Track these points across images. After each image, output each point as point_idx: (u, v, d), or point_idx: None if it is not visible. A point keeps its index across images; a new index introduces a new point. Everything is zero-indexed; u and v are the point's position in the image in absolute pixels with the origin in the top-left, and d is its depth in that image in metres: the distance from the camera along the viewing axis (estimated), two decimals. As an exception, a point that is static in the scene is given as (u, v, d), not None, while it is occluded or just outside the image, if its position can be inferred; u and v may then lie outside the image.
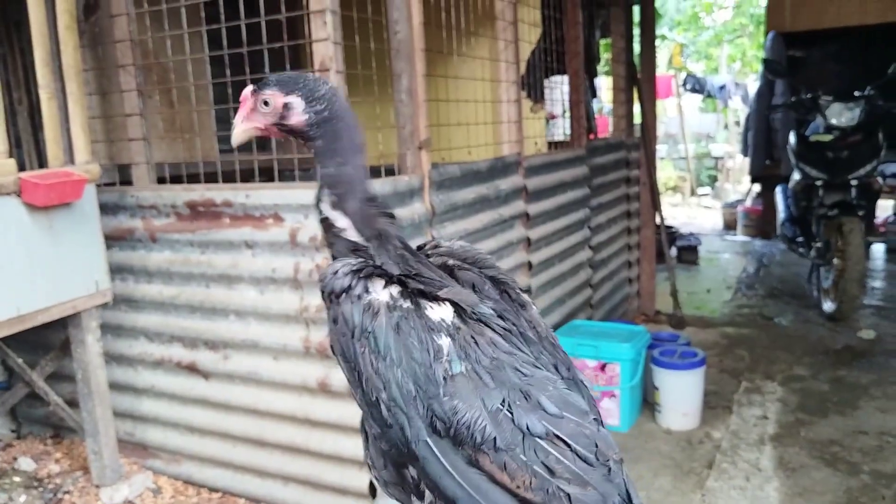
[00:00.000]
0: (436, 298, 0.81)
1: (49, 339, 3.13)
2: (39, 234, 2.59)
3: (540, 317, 0.89)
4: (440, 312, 0.81)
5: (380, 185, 2.60)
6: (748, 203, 9.31)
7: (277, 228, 2.62)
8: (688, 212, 11.80)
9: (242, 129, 1.26)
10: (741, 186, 12.20)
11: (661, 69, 14.04)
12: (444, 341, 0.79)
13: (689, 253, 7.58)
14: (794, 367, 4.61)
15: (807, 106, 5.68)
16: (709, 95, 12.81)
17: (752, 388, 4.30)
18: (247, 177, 2.88)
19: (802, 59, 7.86)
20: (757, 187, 8.99)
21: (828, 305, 5.50)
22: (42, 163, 2.90)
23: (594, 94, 6.56)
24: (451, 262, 0.88)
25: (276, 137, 1.27)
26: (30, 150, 3.27)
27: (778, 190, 6.48)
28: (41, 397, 3.12)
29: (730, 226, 9.46)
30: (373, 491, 2.55)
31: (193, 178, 2.93)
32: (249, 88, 1.30)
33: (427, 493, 0.81)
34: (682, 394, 3.76)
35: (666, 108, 14.17)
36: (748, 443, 3.63)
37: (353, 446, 2.59)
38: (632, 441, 3.68)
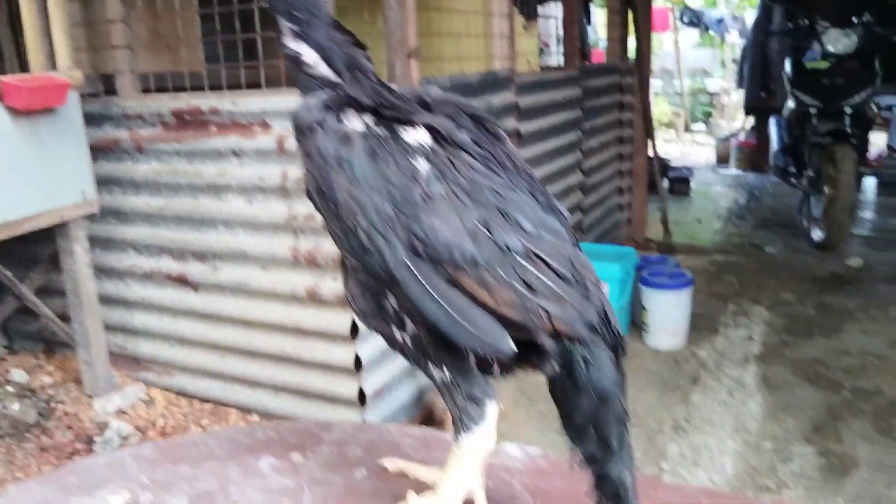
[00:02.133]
0: (412, 123, 0.81)
1: (38, 253, 3.12)
2: (23, 140, 2.55)
3: (517, 150, 0.88)
4: (417, 136, 0.80)
5: (369, 93, 2.56)
6: (742, 137, 9.26)
7: (265, 136, 2.59)
8: (682, 147, 11.74)
9: None
10: (736, 123, 12.11)
11: (659, 2, 13.77)
12: (422, 163, 0.78)
13: (681, 184, 7.57)
14: (781, 292, 4.66)
15: (804, 32, 5.61)
16: (706, 29, 12.61)
17: (739, 311, 4.35)
18: (234, 88, 2.83)
19: (802, -13, 7.72)
20: (751, 120, 8.93)
21: (817, 234, 5.52)
22: (24, 69, 2.84)
23: (588, 20, 6.44)
24: (427, 99, 0.87)
25: None
26: (11, 57, 3.20)
27: (772, 121, 6.44)
28: (32, 312, 3.13)
29: (723, 160, 9.43)
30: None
31: (179, 91, 2.88)
32: None
33: (408, 321, 0.82)
34: (669, 314, 3.80)
35: (662, 43, 13.95)
36: (733, 361, 3.69)
37: (343, 353, 2.61)
38: (619, 359, 3.73)
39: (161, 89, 2.97)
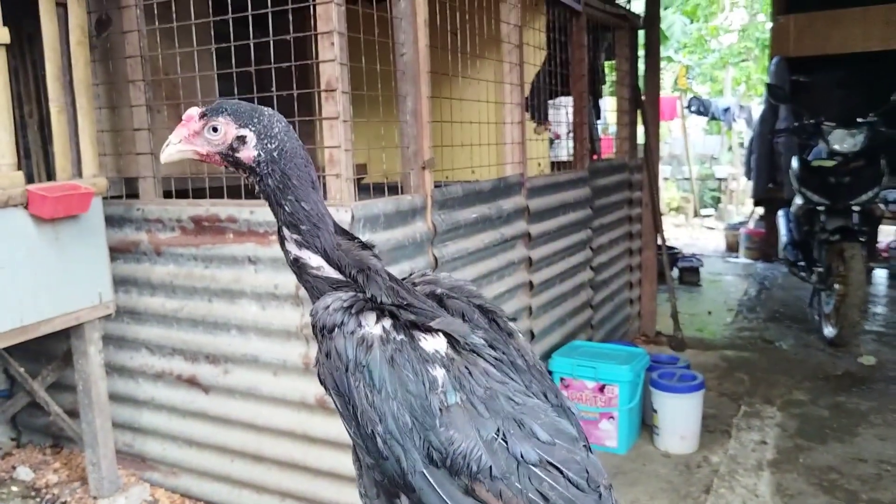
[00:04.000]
0: (428, 329, 0.83)
1: (51, 349, 3.15)
2: (45, 245, 2.62)
3: (527, 345, 0.91)
4: (434, 344, 0.82)
5: (382, 204, 2.63)
6: (751, 226, 9.33)
7: (280, 245, 2.64)
8: (691, 233, 11.82)
9: (177, 149, 1.18)
10: (744, 208, 12.22)
11: (667, 90, 14.11)
12: (439, 373, 0.80)
13: (690, 274, 7.59)
14: (793, 391, 4.61)
15: (809, 131, 5.72)
16: (713, 118, 12.86)
17: (752, 412, 4.30)
18: (251, 193, 2.90)
19: (806, 84, 7.89)
20: (759, 210, 9.01)
21: (829, 330, 5.50)
22: (51, 175, 2.94)
23: (598, 115, 6.59)
24: (438, 290, 0.90)
25: (213, 164, 1.22)
26: (39, 161, 3.30)
27: (780, 214, 6.50)
28: (42, 407, 3.14)
29: (732, 248, 9.48)
30: None
31: (199, 193, 2.96)
32: (197, 110, 1.23)
33: (419, 522, 0.83)
34: (680, 417, 3.76)
35: (670, 130, 14.23)
36: (746, 468, 3.63)
37: (350, 463, 2.59)
38: (629, 464, 3.68)
39: (181, 192, 3.05)
